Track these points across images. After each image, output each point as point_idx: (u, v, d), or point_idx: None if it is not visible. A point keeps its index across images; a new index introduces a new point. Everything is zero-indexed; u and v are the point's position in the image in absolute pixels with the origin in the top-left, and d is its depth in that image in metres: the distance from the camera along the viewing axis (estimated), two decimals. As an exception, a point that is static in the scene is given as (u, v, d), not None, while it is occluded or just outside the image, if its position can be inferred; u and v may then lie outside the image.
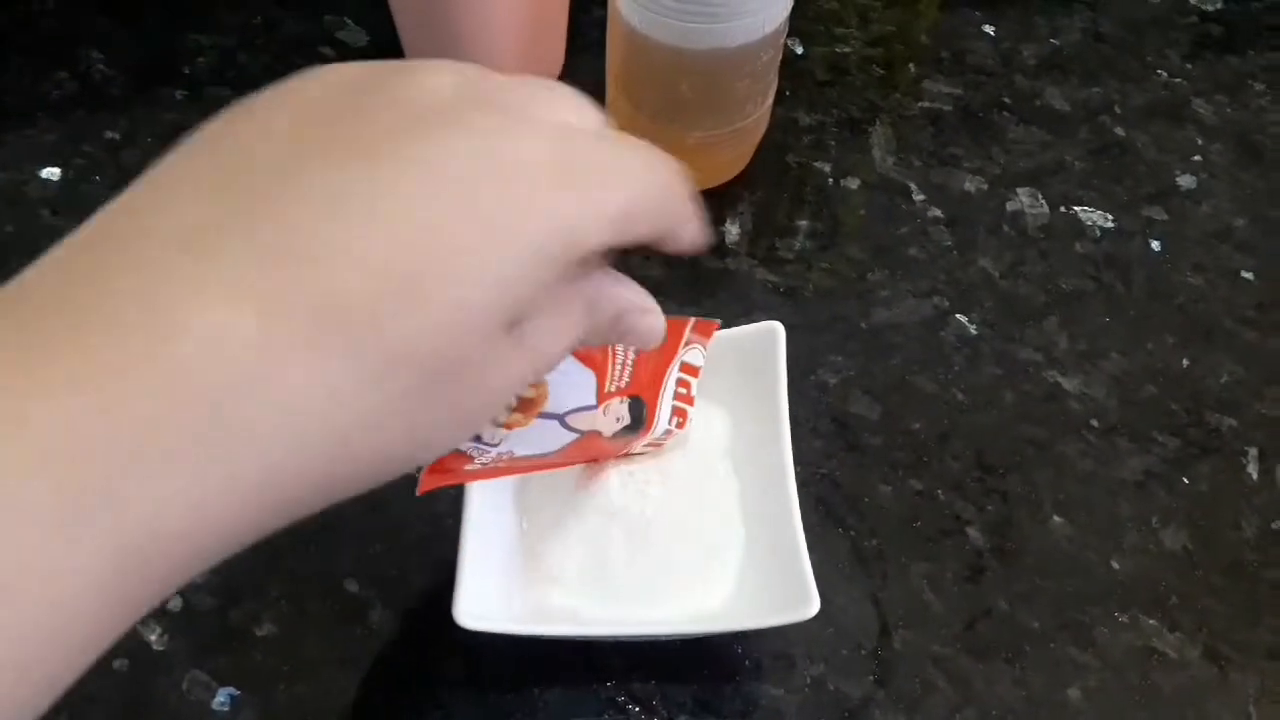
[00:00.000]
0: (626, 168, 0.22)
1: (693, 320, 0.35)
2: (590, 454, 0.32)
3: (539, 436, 0.30)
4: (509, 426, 0.29)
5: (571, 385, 0.32)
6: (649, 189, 0.22)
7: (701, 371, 0.35)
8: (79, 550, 0.16)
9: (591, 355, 0.32)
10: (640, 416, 0.33)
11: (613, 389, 0.33)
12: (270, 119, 0.20)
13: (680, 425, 0.34)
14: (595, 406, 0.32)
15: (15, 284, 0.18)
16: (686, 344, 0.35)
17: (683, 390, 0.34)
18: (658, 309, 0.26)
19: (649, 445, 0.34)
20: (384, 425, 0.19)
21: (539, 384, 0.31)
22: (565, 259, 0.20)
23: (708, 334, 0.36)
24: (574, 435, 0.31)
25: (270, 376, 0.17)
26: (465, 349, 0.19)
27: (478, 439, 0.29)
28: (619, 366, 0.33)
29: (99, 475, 0.16)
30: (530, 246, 0.20)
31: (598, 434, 0.32)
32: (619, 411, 0.32)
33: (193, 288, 0.17)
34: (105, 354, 0.17)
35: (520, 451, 0.30)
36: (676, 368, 0.34)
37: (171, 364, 0.17)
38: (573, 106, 0.22)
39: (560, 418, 0.31)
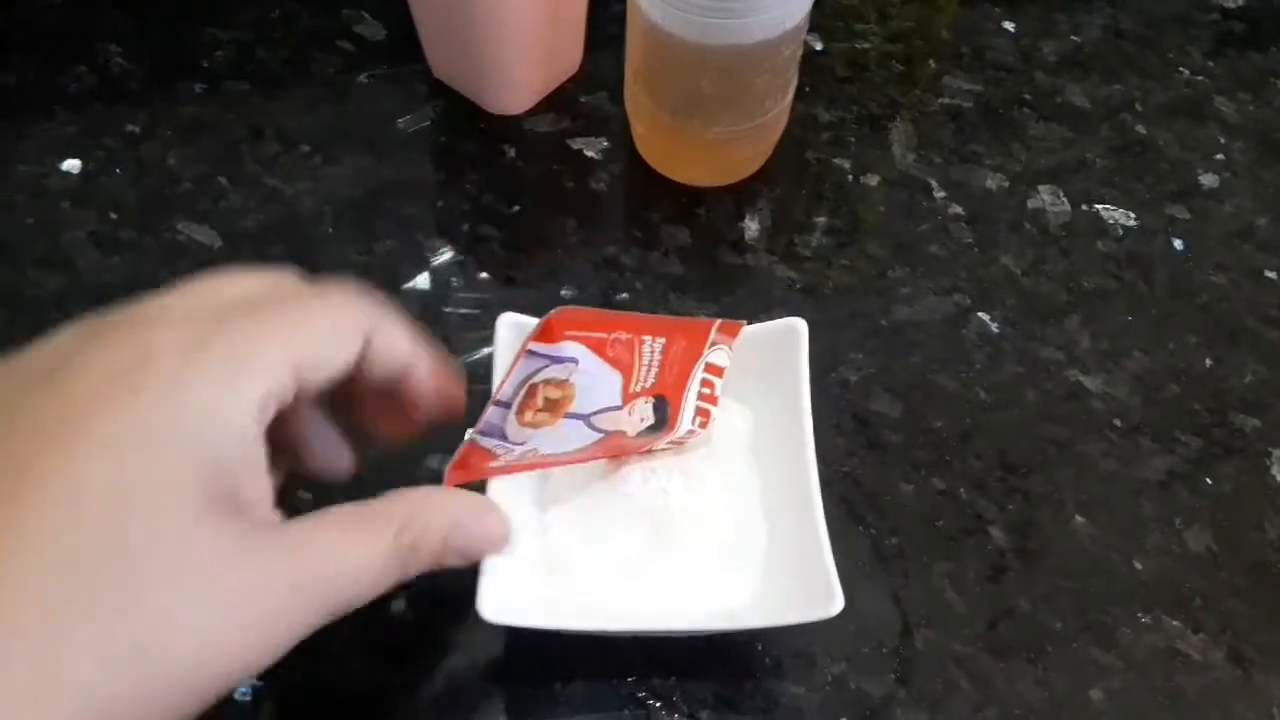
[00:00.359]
0: (260, 318, 0.23)
1: (718, 321, 0.35)
2: (613, 451, 0.32)
3: (564, 436, 0.30)
4: (535, 426, 0.29)
5: (598, 386, 0.32)
6: (296, 321, 0.23)
7: (726, 372, 0.35)
8: None
9: (619, 357, 0.33)
10: (664, 416, 0.33)
11: (638, 389, 0.33)
12: None
13: (703, 425, 0.34)
14: (621, 407, 0.32)
15: None
16: (712, 344, 0.35)
17: (706, 390, 0.34)
18: (497, 510, 0.28)
19: (671, 443, 0.34)
20: (111, 669, 0.19)
21: (566, 385, 0.31)
22: (236, 434, 0.21)
23: (733, 334, 0.35)
24: (598, 435, 0.31)
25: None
26: (170, 566, 0.20)
27: (503, 437, 0.29)
28: (645, 368, 0.33)
29: None
30: (187, 440, 0.21)
31: (622, 433, 0.32)
32: (643, 411, 0.32)
33: None
34: None
35: (545, 449, 0.30)
36: (701, 368, 0.34)
37: None
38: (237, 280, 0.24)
39: (586, 418, 0.31)
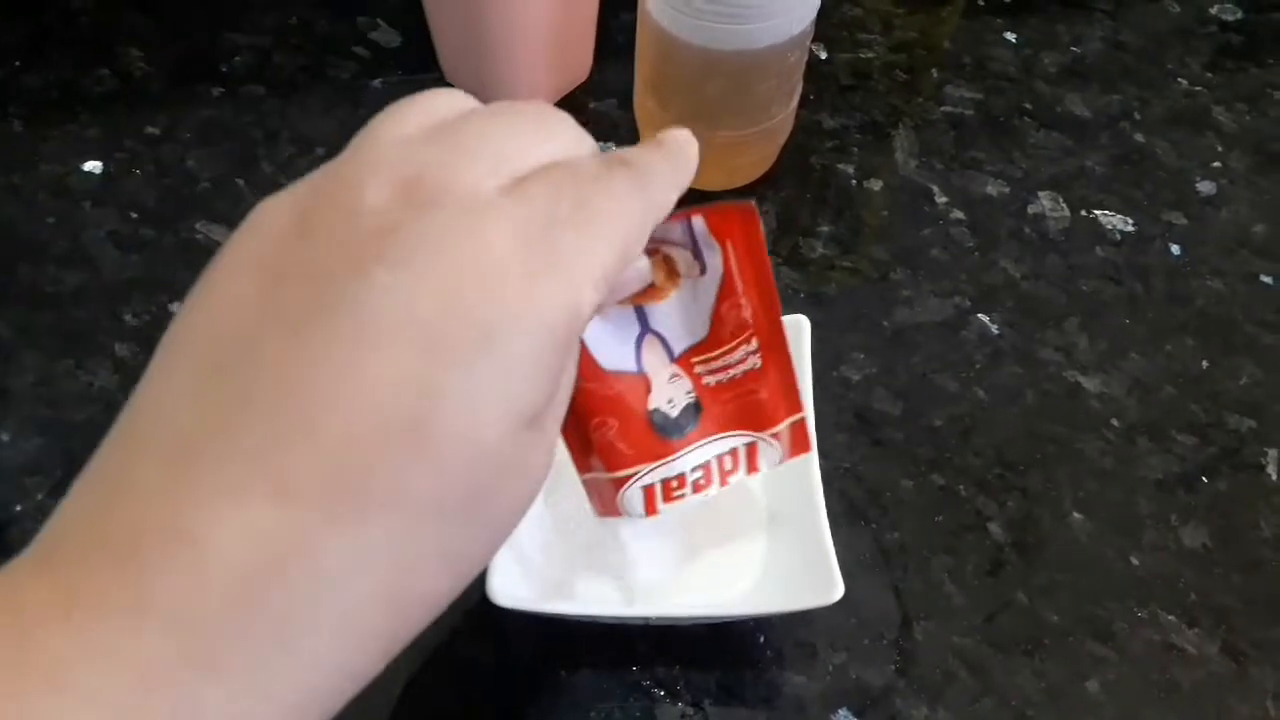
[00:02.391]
0: (604, 212, 0.21)
1: (799, 418, 0.30)
2: (614, 411, 0.28)
3: (612, 330, 0.27)
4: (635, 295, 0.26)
5: (687, 318, 0.27)
6: (631, 220, 0.21)
7: (757, 474, 0.31)
8: None
9: (725, 319, 0.28)
10: (681, 429, 0.29)
11: (700, 369, 0.28)
12: (228, 293, 0.19)
13: (699, 488, 0.30)
14: (672, 361, 0.28)
15: (51, 529, 0.18)
16: (774, 434, 0.30)
17: (728, 465, 0.30)
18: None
19: (655, 483, 0.29)
20: (426, 571, 0.19)
21: (676, 279, 0.27)
22: (566, 342, 0.20)
23: (797, 450, 0.31)
24: (633, 366, 0.27)
25: (300, 563, 0.17)
26: (484, 474, 0.19)
27: None
28: (721, 364, 0.28)
29: (169, 699, 0.16)
30: (527, 351, 0.19)
31: (645, 387, 0.28)
32: (675, 395, 0.28)
33: (200, 502, 0.17)
34: (143, 580, 0.17)
35: (585, 335, 0.26)
36: (746, 441, 0.30)
37: (203, 571, 0.17)
38: (547, 135, 0.21)
39: (646, 332, 0.27)
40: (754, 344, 0.28)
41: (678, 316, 0.27)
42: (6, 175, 0.47)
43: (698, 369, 0.28)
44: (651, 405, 0.28)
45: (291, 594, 0.17)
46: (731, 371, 0.28)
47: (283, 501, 0.17)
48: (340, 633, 0.18)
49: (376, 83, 0.51)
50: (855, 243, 0.47)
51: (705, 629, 0.36)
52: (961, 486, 0.40)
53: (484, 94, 0.50)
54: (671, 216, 0.24)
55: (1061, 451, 0.41)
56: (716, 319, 0.27)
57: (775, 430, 0.30)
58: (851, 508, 0.40)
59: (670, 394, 0.28)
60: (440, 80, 0.51)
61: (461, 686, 0.35)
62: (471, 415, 0.18)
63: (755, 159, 0.48)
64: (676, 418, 0.29)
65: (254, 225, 0.20)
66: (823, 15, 0.43)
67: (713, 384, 0.29)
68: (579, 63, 0.51)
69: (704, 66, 0.42)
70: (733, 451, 0.30)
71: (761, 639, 0.37)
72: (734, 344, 0.28)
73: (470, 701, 0.35)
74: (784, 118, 0.47)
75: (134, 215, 0.46)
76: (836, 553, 0.32)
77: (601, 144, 0.50)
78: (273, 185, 0.47)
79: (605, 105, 0.51)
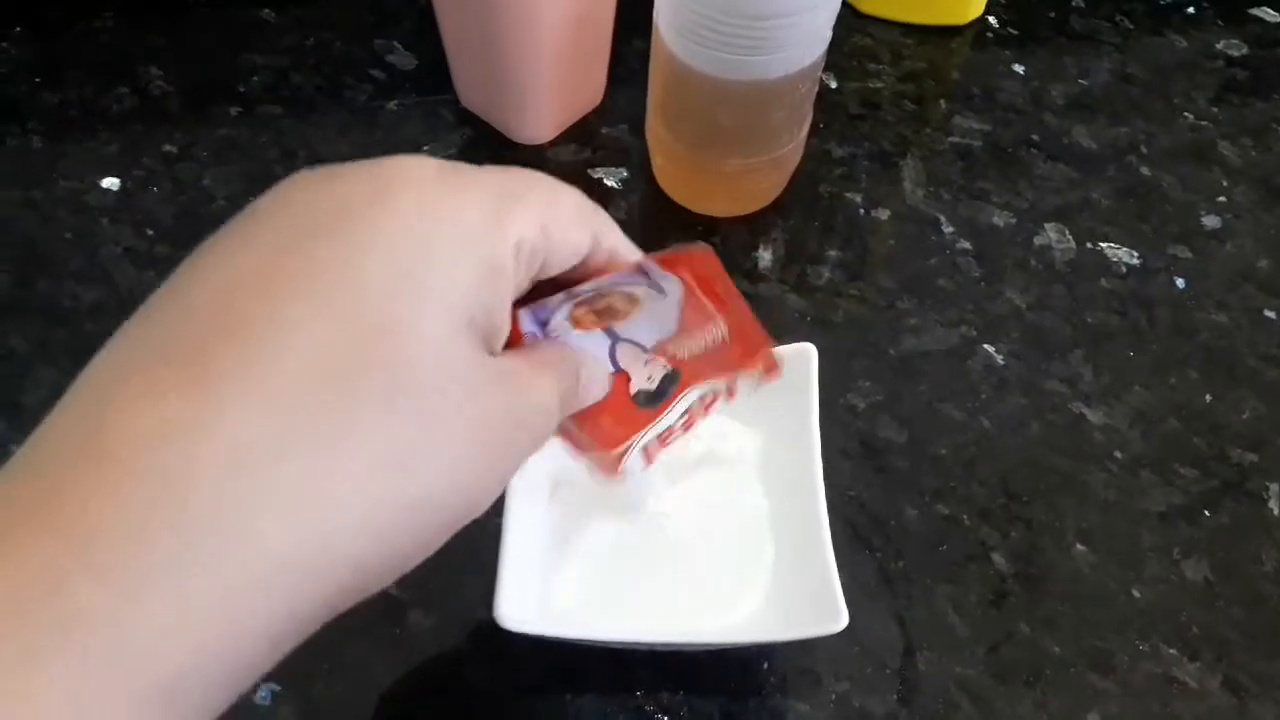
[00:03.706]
0: (522, 178, 0.22)
1: (768, 351, 0.32)
2: (603, 411, 0.30)
3: (589, 348, 0.28)
4: (578, 324, 0.28)
5: (652, 324, 0.29)
6: (555, 190, 0.23)
7: (735, 399, 0.33)
8: (28, 688, 0.15)
9: (692, 318, 0.30)
10: (663, 394, 0.31)
11: (673, 350, 0.31)
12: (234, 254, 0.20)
13: (686, 426, 0.32)
14: (646, 351, 0.30)
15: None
16: (746, 370, 0.32)
17: (709, 400, 0.32)
18: (605, 368, 0.27)
19: (650, 442, 0.31)
20: (369, 478, 0.18)
21: (634, 302, 0.29)
22: (495, 260, 0.20)
23: (769, 373, 0.33)
24: (610, 369, 0.29)
25: (226, 453, 0.17)
26: (440, 380, 0.19)
27: (542, 324, 0.27)
28: (692, 344, 0.31)
29: (69, 606, 0.16)
30: (462, 249, 0.20)
31: (625, 381, 0.30)
32: (654, 373, 0.30)
33: (121, 406, 0.17)
34: (50, 483, 0.17)
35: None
36: (724, 382, 0.32)
37: (114, 478, 0.17)
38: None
39: (617, 341, 0.29)
40: (721, 325, 0.30)
41: (645, 324, 0.29)
42: (25, 191, 0.48)
43: (670, 350, 0.30)
44: (634, 390, 0.30)
45: (211, 487, 0.17)
46: (703, 344, 0.31)
47: (201, 389, 0.17)
48: (245, 530, 0.17)
49: (392, 104, 0.52)
50: (862, 271, 0.48)
51: (709, 655, 0.37)
52: (965, 516, 0.41)
53: (497, 117, 0.51)
54: (624, 268, 0.27)
55: (1065, 483, 0.42)
56: (684, 318, 0.29)
57: (747, 368, 0.32)
58: (856, 535, 0.40)
59: (648, 373, 0.30)
60: (455, 104, 0.52)
61: (466, 710, 0.36)
62: (410, 308, 0.19)
63: (764, 187, 0.49)
64: (656, 389, 0.31)
65: (281, 194, 0.21)
66: (833, 45, 0.44)
67: (685, 357, 0.31)
68: (592, 88, 0.52)
69: (716, 95, 0.43)
70: (714, 393, 0.32)
71: (765, 666, 0.37)
72: (703, 328, 0.30)
73: (475, 723, 0.35)
74: (793, 146, 0.47)
75: (150, 232, 0.47)
76: (841, 580, 0.32)
77: (614, 173, 0.51)
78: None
79: (617, 130, 0.52)
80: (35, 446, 0.18)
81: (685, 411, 0.32)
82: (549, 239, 0.22)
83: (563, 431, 0.30)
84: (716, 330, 0.31)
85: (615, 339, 0.29)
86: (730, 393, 0.33)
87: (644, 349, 0.30)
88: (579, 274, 0.25)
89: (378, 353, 0.18)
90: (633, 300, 0.28)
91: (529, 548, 0.34)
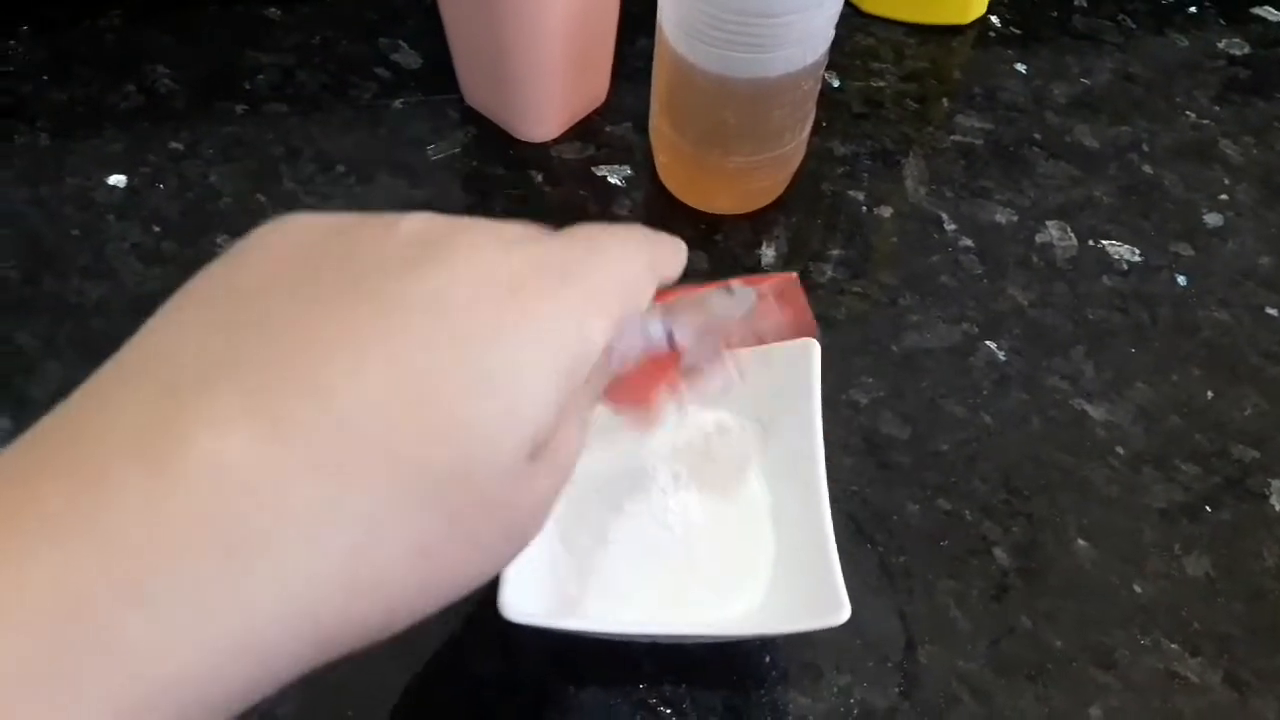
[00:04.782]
0: (614, 251, 0.22)
1: (777, 346, 0.33)
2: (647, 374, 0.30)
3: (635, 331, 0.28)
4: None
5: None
6: (638, 262, 0.23)
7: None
8: (72, 714, 0.15)
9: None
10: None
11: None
12: (255, 266, 0.20)
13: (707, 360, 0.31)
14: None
15: (24, 440, 0.18)
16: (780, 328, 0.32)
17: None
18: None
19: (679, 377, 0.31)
20: (394, 557, 0.18)
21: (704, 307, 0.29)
22: (572, 366, 0.20)
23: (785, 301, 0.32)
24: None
25: (268, 499, 0.17)
26: (478, 472, 0.19)
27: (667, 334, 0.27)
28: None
29: (92, 626, 0.15)
30: (538, 361, 0.19)
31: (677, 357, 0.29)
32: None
33: (187, 424, 0.17)
34: (94, 498, 0.16)
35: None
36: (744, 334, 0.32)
37: (166, 497, 0.16)
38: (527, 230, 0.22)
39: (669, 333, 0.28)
40: (775, 309, 0.30)
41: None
42: (32, 188, 0.48)
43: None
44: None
45: (249, 529, 0.16)
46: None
47: (268, 439, 0.17)
48: (287, 583, 0.17)
49: (397, 103, 0.52)
50: (865, 268, 0.48)
51: (711, 648, 0.37)
52: (967, 511, 0.41)
53: (502, 116, 0.52)
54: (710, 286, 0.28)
55: (1067, 478, 0.42)
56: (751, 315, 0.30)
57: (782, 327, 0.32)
58: (858, 530, 0.40)
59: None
60: (460, 102, 0.52)
61: (469, 701, 0.36)
62: (476, 402, 0.19)
63: (767, 184, 0.49)
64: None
65: (287, 226, 0.21)
66: (836, 44, 0.44)
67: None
68: (596, 86, 0.52)
69: (719, 93, 0.43)
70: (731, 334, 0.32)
71: (767, 659, 0.37)
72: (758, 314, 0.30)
73: (476, 715, 0.36)
74: (796, 144, 0.47)
75: (156, 229, 0.47)
76: (843, 574, 0.33)
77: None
78: (294, 201, 0.48)
79: (621, 128, 0.52)
80: (74, 435, 0.17)
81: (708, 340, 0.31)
82: (620, 325, 0.22)
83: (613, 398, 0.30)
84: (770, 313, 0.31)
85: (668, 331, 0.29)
86: (758, 336, 0.32)
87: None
88: None
89: (443, 446, 0.18)
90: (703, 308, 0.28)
91: (535, 542, 0.34)
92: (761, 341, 0.31)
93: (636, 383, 0.30)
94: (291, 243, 0.20)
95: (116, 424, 0.17)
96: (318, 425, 0.17)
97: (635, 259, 0.23)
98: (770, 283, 0.29)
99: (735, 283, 0.28)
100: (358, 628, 0.19)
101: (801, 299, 0.30)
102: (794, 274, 0.29)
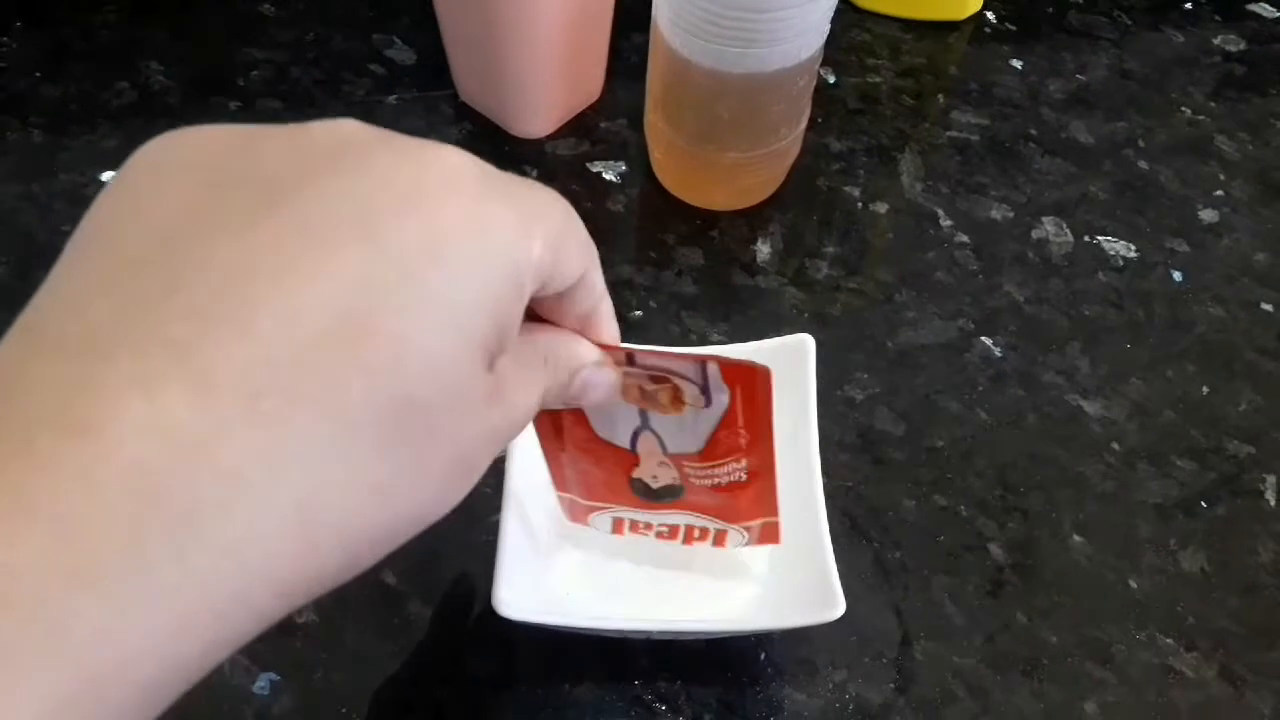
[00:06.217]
0: (543, 193, 0.21)
1: (773, 521, 0.32)
2: (601, 465, 0.31)
3: (613, 415, 0.28)
4: (626, 396, 0.27)
5: (685, 432, 0.29)
6: (569, 213, 0.22)
7: (723, 550, 0.34)
8: (10, 701, 0.14)
9: (721, 445, 0.29)
10: (660, 498, 0.32)
11: (689, 470, 0.30)
12: (151, 198, 0.18)
13: (661, 538, 0.33)
14: (666, 453, 0.30)
15: None
16: (744, 527, 0.33)
17: (695, 535, 0.33)
18: (611, 366, 0.25)
19: (624, 518, 0.33)
20: (349, 495, 0.17)
21: (679, 402, 0.28)
22: (515, 277, 0.19)
23: (764, 540, 0.33)
24: (625, 444, 0.29)
25: (210, 458, 0.16)
26: (425, 390, 0.18)
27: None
28: (709, 473, 0.30)
29: (32, 610, 0.14)
30: (477, 267, 0.18)
31: (634, 462, 0.30)
32: (661, 474, 0.31)
33: (113, 385, 0.16)
34: (22, 473, 0.15)
35: (586, 409, 0.28)
36: (716, 526, 0.33)
37: (100, 466, 0.15)
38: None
39: (645, 426, 0.29)
40: (743, 464, 0.30)
41: (676, 428, 0.29)
42: (25, 184, 0.48)
43: (686, 469, 0.30)
44: (635, 475, 0.31)
45: (195, 493, 0.15)
46: (717, 479, 0.30)
47: (202, 392, 0.16)
48: (240, 547, 0.16)
49: (391, 99, 0.52)
50: (860, 264, 0.48)
51: (706, 644, 0.37)
52: (963, 507, 0.41)
53: (496, 111, 0.51)
54: (688, 356, 0.27)
55: (1062, 474, 0.42)
56: (713, 441, 0.29)
57: (747, 525, 0.33)
58: (853, 526, 0.40)
59: (655, 472, 0.30)
60: (454, 98, 0.52)
61: (465, 698, 0.36)
62: (417, 320, 0.17)
63: (763, 180, 0.49)
64: (657, 490, 0.31)
65: (173, 143, 0.19)
66: (832, 40, 0.44)
67: (697, 483, 0.31)
68: (591, 82, 0.52)
69: (714, 88, 0.43)
70: (703, 528, 0.33)
71: (762, 655, 0.37)
72: (724, 461, 0.30)
73: (471, 712, 0.35)
74: (792, 140, 0.47)
75: (150, 225, 0.47)
76: (838, 571, 0.33)
77: (610, 163, 0.51)
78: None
79: (616, 125, 0.52)
80: None
81: (670, 526, 0.33)
82: (556, 262, 0.21)
83: (554, 462, 0.31)
84: (737, 470, 0.30)
85: (645, 423, 0.29)
86: (720, 541, 0.34)
87: (664, 449, 0.30)
88: (565, 310, 0.24)
89: (382, 374, 0.17)
90: (677, 402, 0.28)
91: (527, 536, 0.34)
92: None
93: (586, 480, 0.31)
94: (184, 163, 0.18)
95: (36, 392, 0.16)
96: (246, 364, 0.16)
97: (568, 210, 0.22)
98: (742, 373, 0.27)
99: (714, 364, 0.27)
100: (320, 575, 0.18)
101: (768, 404, 0.28)
102: (767, 369, 0.27)
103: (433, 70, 0.52)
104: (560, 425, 0.29)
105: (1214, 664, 0.38)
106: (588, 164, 0.50)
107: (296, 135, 0.19)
